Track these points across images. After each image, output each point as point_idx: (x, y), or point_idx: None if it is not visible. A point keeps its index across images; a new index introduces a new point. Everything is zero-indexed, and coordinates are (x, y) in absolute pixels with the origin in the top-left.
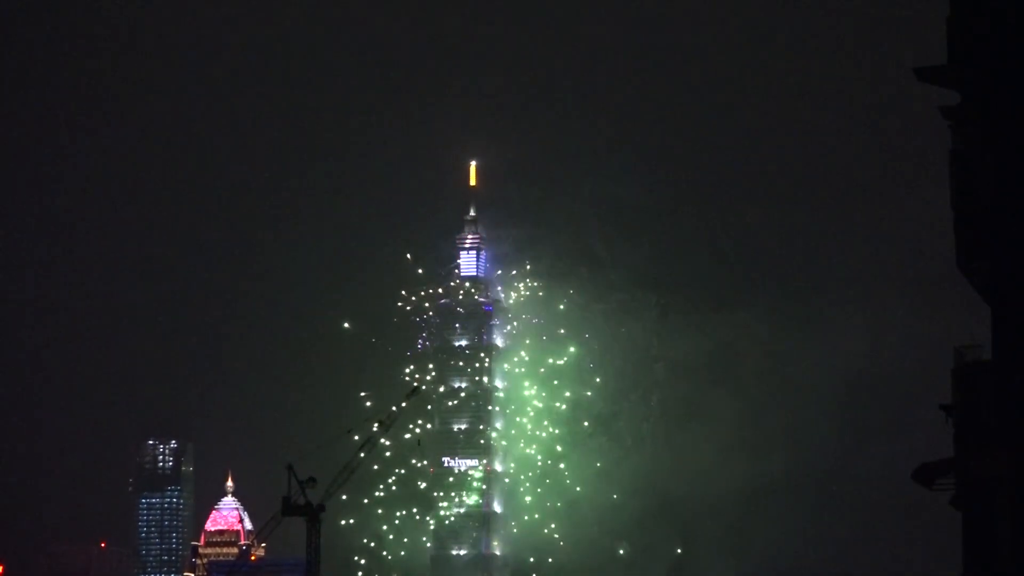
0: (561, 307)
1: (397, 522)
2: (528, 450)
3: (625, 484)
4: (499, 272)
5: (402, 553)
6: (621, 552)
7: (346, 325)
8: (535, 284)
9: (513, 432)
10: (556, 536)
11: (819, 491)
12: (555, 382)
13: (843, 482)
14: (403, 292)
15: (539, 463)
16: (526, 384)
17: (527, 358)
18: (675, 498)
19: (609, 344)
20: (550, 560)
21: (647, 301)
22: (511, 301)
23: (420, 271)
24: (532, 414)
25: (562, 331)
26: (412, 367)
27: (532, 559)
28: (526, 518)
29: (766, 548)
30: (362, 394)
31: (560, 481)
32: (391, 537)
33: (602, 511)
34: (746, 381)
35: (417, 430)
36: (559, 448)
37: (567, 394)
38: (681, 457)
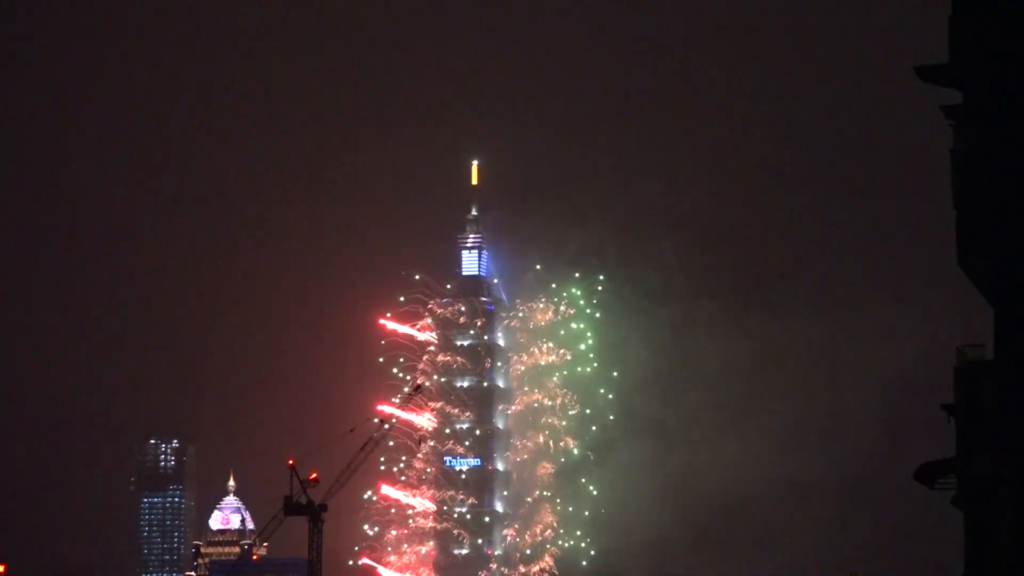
0: (596, 290)
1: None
2: (571, 448)
3: (667, 482)
4: (576, 275)
5: (403, 552)
6: (666, 549)
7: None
8: (594, 284)
9: (538, 434)
10: (599, 535)
11: (857, 492)
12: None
13: (883, 483)
14: (403, 294)
15: (588, 463)
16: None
17: (564, 361)
18: (715, 494)
19: (668, 348)
20: (584, 563)
21: (706, 307)
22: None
23: (419, 276)
24: (569, 416)
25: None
26: (414, 367)
27: (572, 560)
28: (561, 516)
29: (799, 545)
30: (363, 393)
31: (597, 482)
32: (391, 538)
33: (640, 512)
34: (793, 383)
35: (420, 428)
36: (597, 449)
37: (596, 402)
38: (725, 456)
